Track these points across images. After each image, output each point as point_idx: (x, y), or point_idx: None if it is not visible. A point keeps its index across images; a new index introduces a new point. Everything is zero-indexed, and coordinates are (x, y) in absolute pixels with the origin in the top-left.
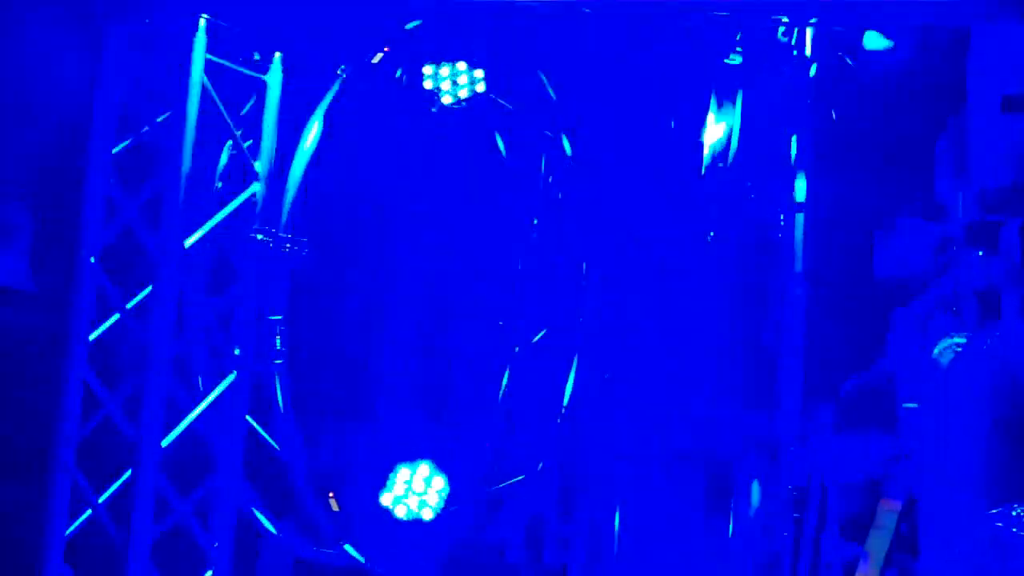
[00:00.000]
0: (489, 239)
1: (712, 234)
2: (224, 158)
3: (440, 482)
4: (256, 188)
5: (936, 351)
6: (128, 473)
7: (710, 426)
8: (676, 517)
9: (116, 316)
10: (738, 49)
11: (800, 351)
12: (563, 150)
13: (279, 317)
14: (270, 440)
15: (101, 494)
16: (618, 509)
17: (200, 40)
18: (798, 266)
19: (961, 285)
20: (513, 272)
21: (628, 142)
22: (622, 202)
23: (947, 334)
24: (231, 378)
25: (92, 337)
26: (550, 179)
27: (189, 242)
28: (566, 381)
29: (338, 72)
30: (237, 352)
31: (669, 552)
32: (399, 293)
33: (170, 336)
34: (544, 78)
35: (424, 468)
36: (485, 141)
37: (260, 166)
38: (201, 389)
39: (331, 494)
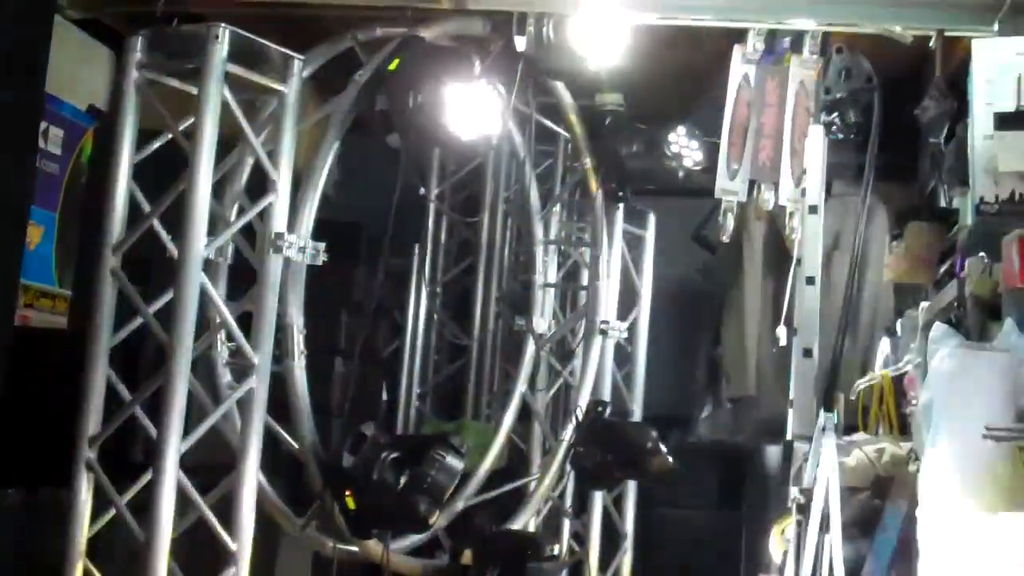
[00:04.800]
0: None
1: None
2: (245, 165)
3: None
4: (275, 195)
5: (938, 356)
6: (150, 472)
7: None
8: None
9: (140, 321)
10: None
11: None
12: None
13: (300, 320)
14: (290, 440)
15: (123, 493)
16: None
17: (220, 48)
18: (811, 269)
19: (964, 291)
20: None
21: None
22: None
23: (949, 340)
24: (251, 380)
25: (115, 340)
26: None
27: (210, 247)
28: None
29: (356, 77)
30: (256, 355)
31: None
32: None
33: (191, 339)
34: None
35: None
36: None
37: (280, 173)
38: (221, 391)
39: (348, 491)
